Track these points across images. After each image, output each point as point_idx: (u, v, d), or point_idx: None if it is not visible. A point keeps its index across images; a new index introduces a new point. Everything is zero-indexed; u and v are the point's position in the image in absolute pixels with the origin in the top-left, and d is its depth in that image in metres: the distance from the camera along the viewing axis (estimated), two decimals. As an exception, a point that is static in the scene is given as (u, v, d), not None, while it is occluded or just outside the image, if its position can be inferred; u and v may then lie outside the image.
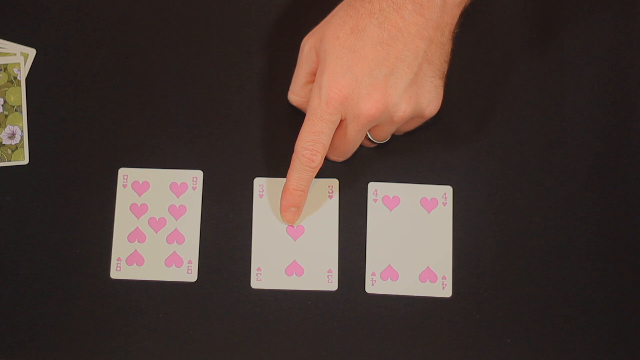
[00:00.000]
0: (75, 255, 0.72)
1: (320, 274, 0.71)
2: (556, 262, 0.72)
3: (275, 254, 0.72)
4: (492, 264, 0.72)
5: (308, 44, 0.69)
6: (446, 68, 0.68)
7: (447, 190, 0.72)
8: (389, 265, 0.71)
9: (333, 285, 0.71)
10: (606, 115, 0.75)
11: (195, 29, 0.76)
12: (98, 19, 0.76)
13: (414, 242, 0.72)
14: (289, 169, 0.69)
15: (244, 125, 0.74)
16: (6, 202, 0.73)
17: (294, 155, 0.68)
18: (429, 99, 0.67)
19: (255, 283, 0.71)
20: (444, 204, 0.72)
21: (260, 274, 0.71)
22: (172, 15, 0.76)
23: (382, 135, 0.70)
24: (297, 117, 0.72)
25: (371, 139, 0.71)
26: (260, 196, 0.72)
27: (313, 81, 0.70)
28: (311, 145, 0.67)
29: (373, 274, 0.71)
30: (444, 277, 0.71)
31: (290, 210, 0.70)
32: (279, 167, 0.73)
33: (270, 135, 0.74)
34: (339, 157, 0.71)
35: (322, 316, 0.71)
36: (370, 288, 0.71)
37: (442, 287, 0.71)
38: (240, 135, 0.74)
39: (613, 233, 0.73)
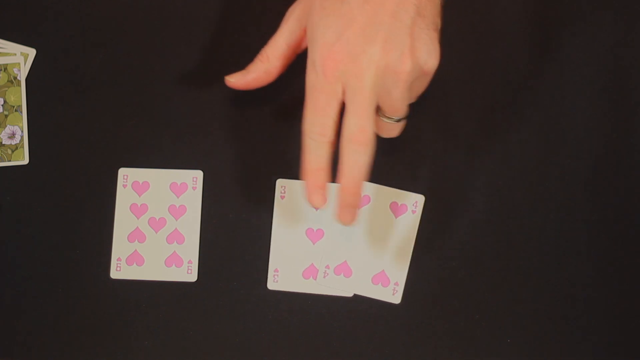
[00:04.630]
0: (75, 255, 0.72)
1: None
2: (556, 262, 0.72)
3: (293, 257, 0.72)
4: (492, 263, 0.72)
5: (293, 16, 0.69)
6: (439, 22, 0.67)
7: (418, 199, 0.72)
8: (345, 261, 0.71)
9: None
10: (606, 115, 0.74)
11: (195, 29, 0.76)
12: (98, 19, 0.76)
13: (373, 243, 0.72)
14: (304, 152, 0.66)
15: (244, 125, 0.74)
16: (6, 202, 0.73)
17: (304, 137, 0.65)
18: (427, 52, 0.65)
19: (272, 284, 0.71)
20: (413, 211, 0.72)
21: (278, 275, 0.71)
22: (172, 15, 0.76)
23: (396, 105, 0.67)
24: (299, 117, 0.72)
25: (387, 116, 0.68)
26: (282, 198, 0.72)
27: (290, 55, 0.70)
28: (319, 120, 0.65)
29: (327, 267, 0.71)
30: (396, 284, 0.71)
31: (317, 192, 0.66)
32: (281, 167, 0.73)
33: (271, 135, 0.74)
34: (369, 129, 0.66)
35: (322, 317, 0.71)
36: (322, 280, 0.71)
37: (392, 293, 0.71)
38: (240, 135, 0.74)
39: (613, 233, 0.73)
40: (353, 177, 0.65)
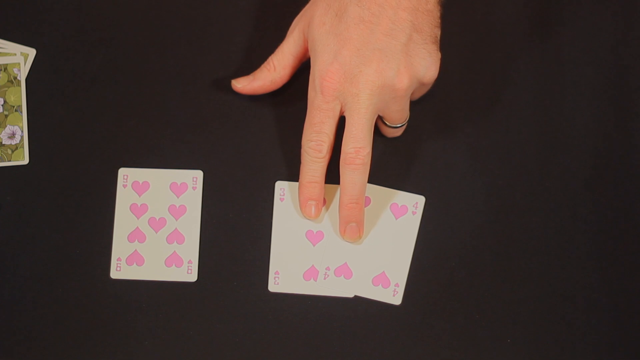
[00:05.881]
0: (75, 255, 0.72)
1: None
2: (556, 262, 0.72)
3: (293, 259, 0.72)
4: (492, 264, 0.72)
5: (297, 28, 0.70)
6: (438, 33, 0.68)
7: (419, 200, 0.72)
8: (345, 263, 0.71)
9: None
10: (606, 115, 0.75)
11: (195, 29, 0.76)
12: (98, 19, 0.76)
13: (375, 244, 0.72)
14: (301, 165, 0.69)
15: (244, 125, 0.74)
16: (6, 202, 0.73)
17: (301, 150, 0.69)
18: (425, 66, 0.67)
19: (273, 287, 0.71)
20: (414, 212, 0.72)
21: (278, 277, 0.71)
22: (172, 15, 0.76)
23: (396, 116, 0.70)
24: (298, 116, 0.72)
25: (389, 124, 0.71)
26: (281, 200, 0.72)
27: (296, 64, 0.72)
28: (315, 137, 0.68)
29: (327, 268, 0.71)
30: (396, 285, 0.71)
31: (309, 204, 0.70)
32: (280, 168, 0.73)
33: (271, 136, 0.74)
34: (361, 143, 0.68)
35: (322, 318, 0.71)
36: (322, 282, 0.71)
37: (392, 294, 0.71)
38: (240, 135, 0.74)
39: (613, 233, 0.73)
40: (351, 195, 0.68)
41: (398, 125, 0.71)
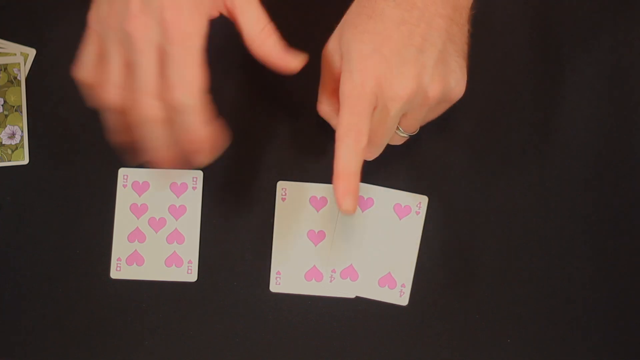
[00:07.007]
0: (75, 255, 0.72)
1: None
2: (556, 262, 0.72)
3: (295, 259, 0.71)
4: (492, 263, 0.72)
5: (328, 49, 0.67)
6: (467, 49, 0.66)
7: (422, 200, 0.72)
8: (351, 265, 0.71)
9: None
10: (606, 115, 0.75)
11: (195, 29, 0.76)
12: (98, 19, 0.76)
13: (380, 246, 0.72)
14: (337, 156, 0.64)
15: (244, 126, 0.74)
16: (6, 202, 0.73)
17: (339, 141, 0.64)
18: (456, 79, 0.65)
19: (274, 287, 0.71)
20: (417, 212, 0.72)
21: (280, 278, 0.71)
22: (172, 15, 0.76)
23: (413, 124, 0.68)
24: (298, 117, 0.72)
25: (401, 132, 0.69)
26: (283, 200, 0.72)
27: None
28: (356, 126, 0.63)
29: (333, 270, 0.71)
30: (402, 285, 0.71)
31: (349, 196, 0.64)
32: (281, 168, 0.73)
33: (272, 136, 0.74)
34: (373, 151, 0.68)
35: (323, 318, 0.71)
36: (328, 284, 0.71)
37: (399, 295, 0.71)
38: (240, 135, 0.74)
39: (613, 233, 0.73)
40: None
41: (405, 134, 0.70)
